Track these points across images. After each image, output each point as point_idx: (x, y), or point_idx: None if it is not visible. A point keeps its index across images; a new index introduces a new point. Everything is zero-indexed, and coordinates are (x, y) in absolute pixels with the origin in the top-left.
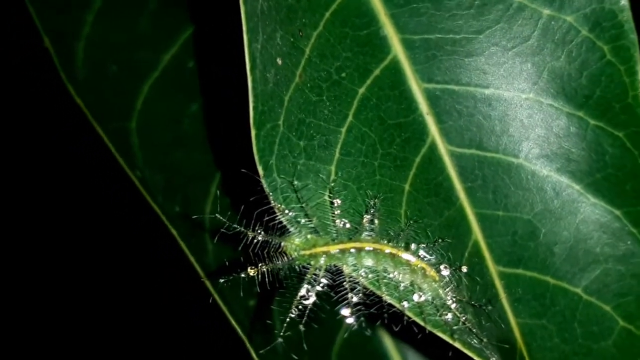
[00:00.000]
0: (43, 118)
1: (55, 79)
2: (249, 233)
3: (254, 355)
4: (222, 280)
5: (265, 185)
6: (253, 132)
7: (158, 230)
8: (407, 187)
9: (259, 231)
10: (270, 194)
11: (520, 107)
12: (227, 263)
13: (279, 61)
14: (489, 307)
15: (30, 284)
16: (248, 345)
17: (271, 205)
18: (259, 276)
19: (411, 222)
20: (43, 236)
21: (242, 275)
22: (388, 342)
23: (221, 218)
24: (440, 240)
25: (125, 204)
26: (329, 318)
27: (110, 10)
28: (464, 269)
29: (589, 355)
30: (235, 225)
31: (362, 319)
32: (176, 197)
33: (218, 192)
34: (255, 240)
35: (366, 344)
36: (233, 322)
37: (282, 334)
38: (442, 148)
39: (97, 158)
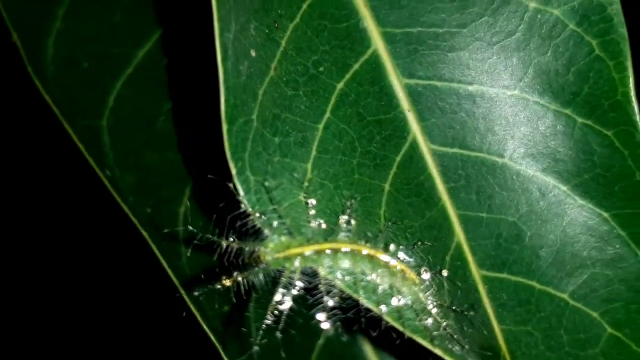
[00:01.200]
0: (12, 116)
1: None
2: (222, 242)
3: None
4: (196, 293)
5: (237, 185)
6: (224, 127)
7: (130, 232)
8: (387, 186)
9: (231, 239)
10: (243, 194)
11: (505, 105)
12: (202, 276)
13: (253, 53)
14: (471, 313)
15: (27, 283)
16: (222, 354)
17: (243, 209)
18: (234, 285)
19: (390, 223)
20: (38, 235)
21: (218, 286)
22: (368, 348)
23: (194, 230)
24: (420, 243)
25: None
26: (307, 324)
27: (82, 4)
28: (445, 272)
29: None
30: (208, 235)
31: (338, 323)
32: (148, 199)
33: (188, 203)
34: (229, 249)
35: (346, 350)
36: (207, 329)
37: (257, 341)
38: (424, 147)
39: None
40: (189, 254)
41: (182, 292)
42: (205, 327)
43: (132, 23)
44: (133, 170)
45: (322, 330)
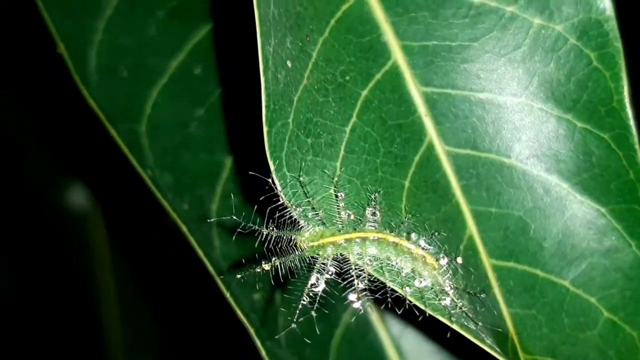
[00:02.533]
0: (53, 119)
1: (66, 83)
2: (262, 230)
3: (260, 345)
4: (238, 276)
5: (276, 179)
6: (265, 129)
7: (166, 227)
8: (406, 183)
9: (271, 228)
10: (281, 188)
11: (512, 111)
12: (243, 261)
13: (289, 64)
14: (483, 295)
15: (40, 281)
16: (254, 335)
17: (280, 202)
18: (273, 270)
19: (411, 215)
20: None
21: (258, 270)
22: (384, 336)
23: (237, 219)
24: (437, 233)
25: (133, 203)
26: (329, 313)
27: (121, 18)
28: (460, 260)
29: (575, 344)
30: (250, 224)
31: (367, 303)
32: (184, 196)
33: (232, 196)
34: (269, 237)
35: (364, 338)
36: (240, 314)
37: (295, 319)
38: (440, 148)
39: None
40: (221, 239)
41: (217, 279)
42: (238, 311)
43: (166, 36)
44: (170, 170)
45: (341, 319)
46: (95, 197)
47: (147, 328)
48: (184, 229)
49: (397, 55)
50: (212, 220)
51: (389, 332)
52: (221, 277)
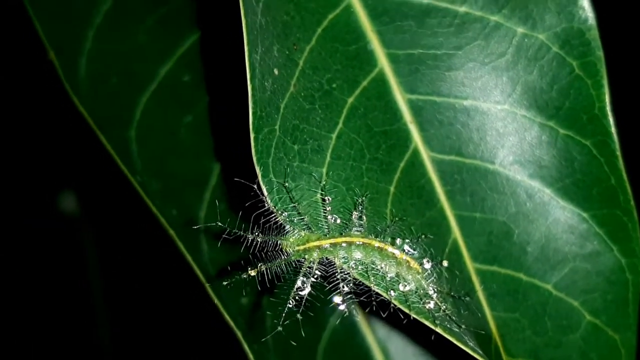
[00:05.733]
0: (43, 126)
1: (58, 90)
2: (248, 236)
3: (247, 349)
4: (225, 283)
5: (262, 185)
6: (252, 136)
7: (155, 233)
8: (392, 189)
9: (257, 233)
10: (267, 194)
11: (496, 118)
12: (228, 267)
13: (276, 71)
14: (467, 298)
15: (30, 285)
16: (242, 339)
17: (266, 207)
18: (259, 275)
19: (396, 219)
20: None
21: (244, 276)
22: (371, 339)
23: (222, 225)
24: (423, 237)
25: (125, 206)
26: (316, 317)
27: (110, 25)
28: (445, 263)
29: (558, 347)
30: (236, 230)
31: (352, 306)
32: (173, 202)
33: (217, 202)
34: (254, 242)
35: (350, 340)
36: (228, 318)
37: (281, 323)
38: (425, 154)
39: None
40: (209, 244)
41: (206, 284)
42: (226, 315)
43: (155, 43)
44: (159, 176)
45: (328, 322)
46: (85, 203)
47: (136, 330)
48: (173, 234)
49: (383, 63)
50: (199, 226)
51: (376, 335)
52: (209, 282)
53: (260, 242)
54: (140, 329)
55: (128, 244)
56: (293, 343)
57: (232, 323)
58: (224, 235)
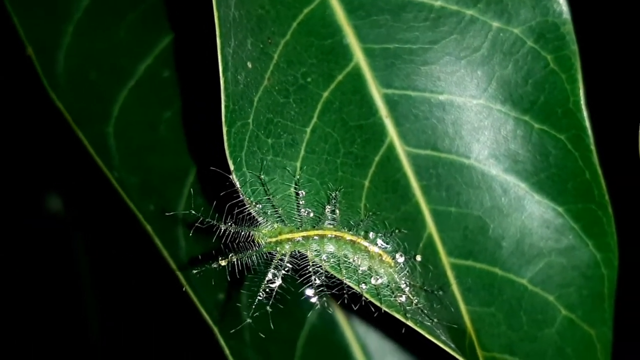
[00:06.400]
0: (24, 122)
1: (37, 86)
2: (221, 225)
3: (223, 343)
4: (194, 272)
5: (235, 179)
6: (225, 129)
7: (135, 228)
8: (366, 183)
9: (229, 223)
10: (240, 187)
11: (471, 112)
12: (199, 257)
13: (249, 65)
14: (440, 293)
15: (19, 283)
16: (217, 333)
17: (240, 198)
18: (229, 266)
19: (370, 214)
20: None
21: (214, 265)
22: (350, 335)
23: (195, 213)
24: (396, 231)
25: (103, 204)
26: (295, 313)
27: (90, 21)
28: (418, 257)
29: (533, 342)
30: (209, 219)
31: (324, 299)
32: (151, 197)
33: (192, 190)
34: (227, 232)
35: (330, 336)
36: (203, 311)
37: (250, 314)
38: (400, 149)
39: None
40: (187, 240)
41: (181, 278)
42: (201, 309)
43: (135, 39)
44: (136, 172)
45: (307, 318)
46: (69, 202)
47: (127, 325)
48: (149, 229)
49: (359, 57)
50: (174, 217)
51: (355, 331)
52: (186, 277)
53: (233, 233)
54: (131, 325)
55: (116, 242)
56: (270, 335)
57: (207, 317)
58: (196, 224)
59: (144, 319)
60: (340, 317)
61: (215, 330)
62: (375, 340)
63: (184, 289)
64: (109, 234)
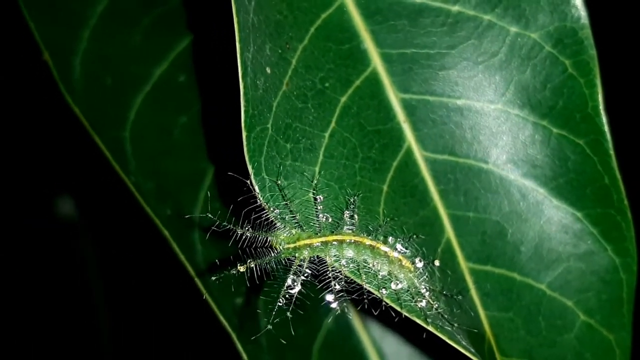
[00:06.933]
0: (40, 126)
1: (53, 91)
2: (238, 230)
3: (240, 348)
4: (213, 278)
5: (254, 184)
6: (244, 134)
7: (149, 233)
8: (385, 187)
9: (247, 228)
10: (259, 192)
11: (489, 117)
12: (217, 262)
13: (268, 70)
14: (460, 297)
15: (29, 285)
16: (235, 339)
17: (258, 203)
18: (248, 272)
19: (388, 219)
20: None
21: (233, 271)
22: (365, 340)
23: (212, 217)
24: (415, 236)
25: (117, 208)
26: (311, 317)
27: (105, 26)
28: (437, 262)
29: (552, 347)
30: (225, 223)
31: (345, 304)
32: (167, 202)
33: (209, 194)
34: (244, 237)
35: (346, 341)
36: (221, 317)
37: (271, 320)
38: (418, 153)
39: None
40: (203, 244)
41: (198, 283)
42: (219, 315)
43: (150, 44)
44: (153, 177)
45: (322, 323)
46: (82, 205)
47: (136, 330)
48: (167, 234)
49: (376, 62)
50: (194, 222)
51: (371, 336)
52: (203, 282)
53: (250, 238)
54: (140, 329)
55: (126, 245)
56: (286, 341)
57: (225, 323)
58: (213, 228)
59: (155, 322)
60: (356, 322)
61: (233, 335)
62: (391, 345)
63: (204, 297)
64: (120, 238)
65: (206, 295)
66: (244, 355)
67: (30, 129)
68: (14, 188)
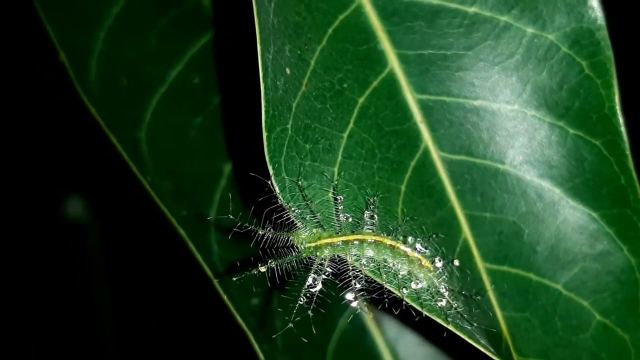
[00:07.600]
0: (55, 125)
1: (68, 91)
2: (259, 230)
3: (257, 349)
4: (234, 279)
5: (274, 184)
6: (265, 135)
7: (165, 233)
8: (403, 188)
9: (268, 228)
10: (279, 192)
11: (506, 118)
12: (238, 263)
13: (288, 71)
14: (478, 297)
15: (33, 286)
16: (252, 339)
17: (278, 204)
18: (269, 272)
19: (407, 218)
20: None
21: (254, 272)
22: (380, 340)
23: (233, 218)
24: (434, 236)
25: (133, 208)
26: (325, 318)
27: (121, 28)
28: (456, 262)
29: (568, 347)
30: (247, 224)
31: (364, 303)
32: (183, 202)
33: (230, 195)
34: (265, 237)
35: (360, 342)
36: (239, 318)
37: (292, 319)
38: (435, 154)
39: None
40: (219, 244)
41: (215, 283)
42: (236, 315)
43: (165, 45)
44: (169, 177)
45: (337, 323)
46: (93, 206)
47: (141, 334)
48: (183, 234)
49: (394, 63)
50: (210, 222)
51: (385, 336)
52: (218, 280)
53: (271, 238)
54: (144, 332)
55: (137, 246)
56: (304, 340)
57: (242, 323)
58: (234, 229)
59: (159, 325)
60: (370, 322)
61: (250, 336)
62: (405, 346)
63: (223, 298)
64: (131, 239)
65: (224, 296)
66: (261, 356)
67: (44, 131)
68: (24, 189)
